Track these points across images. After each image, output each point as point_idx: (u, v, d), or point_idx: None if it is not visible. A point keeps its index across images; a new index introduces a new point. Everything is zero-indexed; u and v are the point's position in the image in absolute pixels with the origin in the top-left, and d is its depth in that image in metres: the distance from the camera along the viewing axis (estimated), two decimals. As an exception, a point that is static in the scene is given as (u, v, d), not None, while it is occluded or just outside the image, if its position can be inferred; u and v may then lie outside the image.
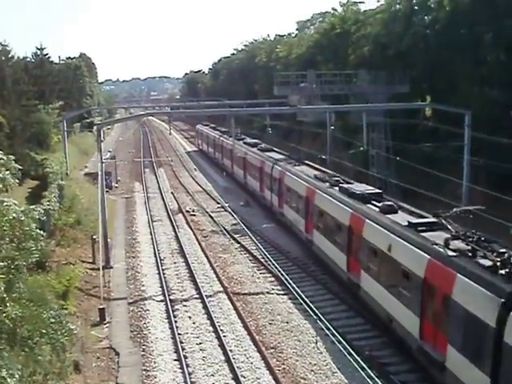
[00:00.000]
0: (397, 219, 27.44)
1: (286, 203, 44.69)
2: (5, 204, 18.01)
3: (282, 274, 32.19)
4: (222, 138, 78.42)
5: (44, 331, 17.42)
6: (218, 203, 56.64)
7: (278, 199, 47.08)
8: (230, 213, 49.41)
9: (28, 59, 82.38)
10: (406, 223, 26.13)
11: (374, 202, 30.84)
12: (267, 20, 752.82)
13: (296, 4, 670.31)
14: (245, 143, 64.34)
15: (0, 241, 17.72)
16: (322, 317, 26.22)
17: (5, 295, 16.69)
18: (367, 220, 28.92)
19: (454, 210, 25.87)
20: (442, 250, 22.24)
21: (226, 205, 52.34)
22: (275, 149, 58.12)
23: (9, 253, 17.94)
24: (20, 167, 21.19)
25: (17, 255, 18.20)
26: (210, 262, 38.56)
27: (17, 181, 19.54)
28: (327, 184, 37.31)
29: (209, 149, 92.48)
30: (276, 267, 32.65)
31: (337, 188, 35.53)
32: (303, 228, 39.99)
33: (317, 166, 46.52)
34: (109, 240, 38.84)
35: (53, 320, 17.93)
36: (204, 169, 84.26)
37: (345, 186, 34.92)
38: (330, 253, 34.41)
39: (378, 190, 33.63)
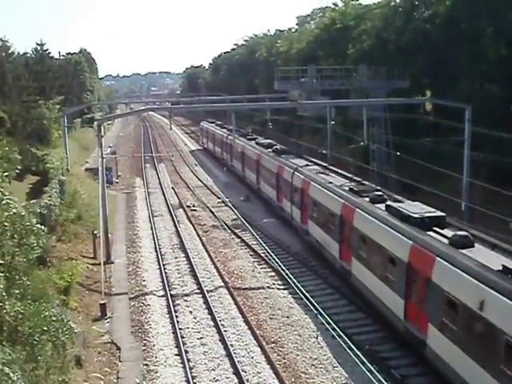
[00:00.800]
0: (480, 258, 20.68)
1: (312, 219, 38.27)
2: (5, 199, 18.09)
3: (282, 269, 32.24)
4: (230, 138, 67.16)
5: (45, 329, 17.50)
6: (219, 198, 56.71)
7: (301, 214, 40.93)
8: (230, 208, 49.48)
9: (28, 55, 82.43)
10: (500, 268, 19.40)
11: (438, 229, 24.43)
12: (267, 15, 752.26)
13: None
14: (257, 144, 58.81)
15: (0, 236, 17.77)
16: (322, 311, 26.28)
17: (4, 293, 16.75)
18: (438, 258, 21.81)
19: None
20: None
21: (227, 200, 52.39)
22: (293, 151, 51.93)
23: (9, 249, 18.01)
24: (19, 157, 21.30)
25: (17, 251, 18.28)
26: (210, 256, 38.67)
27: (16, 172, 19.61)
28: (367, 199, 30.71)
29: (215, 148, 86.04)
30: (276, 262, 32.70)
31: (382, 207, 28.75)
32: (337, 254, 33.38)
33: (346, 173, 39.66)
34: (110, 235, 38.93)
35: (54, 318, 18.01)
36: (209, 169, 80.00)
37: (393, 204, 27.97)
38: (380, 293, 27.12)
39: (439, 213, 25.93)
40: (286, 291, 32.24)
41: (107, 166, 50.14)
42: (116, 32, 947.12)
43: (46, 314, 17.87)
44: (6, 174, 19.35)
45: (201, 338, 26.79)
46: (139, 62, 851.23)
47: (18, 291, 17.73)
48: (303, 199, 40.13)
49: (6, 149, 20.41)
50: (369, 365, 21.24)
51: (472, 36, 45.43)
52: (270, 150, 53.46)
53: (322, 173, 40.21)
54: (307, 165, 43.88)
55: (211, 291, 32.35)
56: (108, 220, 39.03)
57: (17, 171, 20.64)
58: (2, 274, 16.81)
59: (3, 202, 17.93)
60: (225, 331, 27.05)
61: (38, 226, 19.25)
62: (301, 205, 40.85)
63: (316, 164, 44.36)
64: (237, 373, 23.34)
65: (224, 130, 79.61)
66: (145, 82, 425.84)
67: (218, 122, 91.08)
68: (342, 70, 54.72)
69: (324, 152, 52.05)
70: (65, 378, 18.90)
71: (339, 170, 41.10)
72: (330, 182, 36.57)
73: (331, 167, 42.47)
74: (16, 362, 15.58)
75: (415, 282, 23.54)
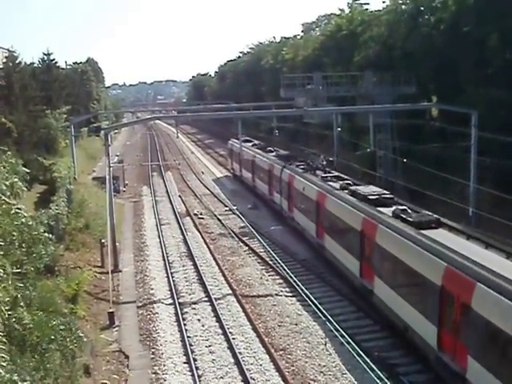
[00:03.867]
0: None
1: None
2: (14, 209, 18.16)
3: (290, 276, 32.21)
4: (290, 173, 46.83)
5: (53, 338, 17.53)
6: (226, 206, 56.72)
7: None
8: (238, 215, 49.49)
9: (35, 65, 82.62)
10: None
11: None
12: (273, 23, 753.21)
13: (301, 6, 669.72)
14: (324, 179, 40.73)
15: (9, 246, 17.83)
16: (330, 318, 26.23)
17: (13, 302, 16.79)
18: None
19: None
20: None
21: (234, 207, 52.39)
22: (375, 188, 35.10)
23: (18, 257, 18.07)
24: (27, 170, 21.38)
25: (26, 260, 18.34)
26: (218, 264, 38.66)
27: (25, 188, 19.68)
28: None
29: (255, 180, 61.57)
30: (284, 269, 32.69)
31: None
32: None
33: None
34: (117, 244, 38.99)
35: (62, 327, 18.04)
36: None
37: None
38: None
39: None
40: (294, 298, 32.19)
41: (114, 175, 50.20)
42: (122, 41, 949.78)
43: (55, 322, 17.90)
44: (15, 190, 19.50)
45: (209, 345, 26.75)
46: (145, 71, 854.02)
47: (26, 300, 17.76)
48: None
49: (12, 161, 20.44)
50: (378, 372, 21.16)
51: (477, 41, 45.38)
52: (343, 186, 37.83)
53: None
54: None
55: (219, 299, 32.33)
56: (115, 229, 39.11)
57: (25, 183, 20.82)
58: (11, 283, 16.85)
59: (12, 212, 18.01)
60: (233, 339, 27.02)
61: (46, 235, 19.31)
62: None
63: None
64: (245, 380, 23.29)
65: (269, 156, 57.08)
66: (151, 90, 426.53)
67: (254, 142, 69.87)
68: (347, 76, 54.80)
69: (330, 159, 52.03)
70: (73, 387, 18.92)
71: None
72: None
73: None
74: (25, 371, 15.60)
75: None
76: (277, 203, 51.32)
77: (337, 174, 42.03)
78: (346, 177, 40.50)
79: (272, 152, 58.68)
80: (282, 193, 48.67)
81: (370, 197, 32.09)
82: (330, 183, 38.96)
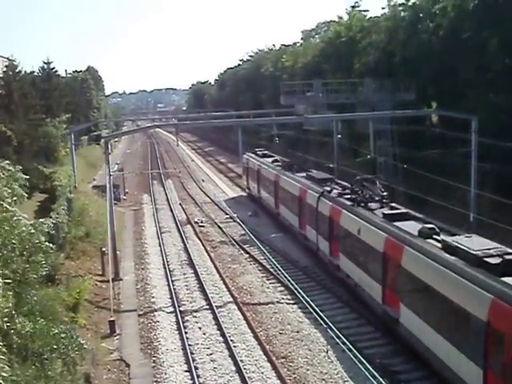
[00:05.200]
0: None
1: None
2: (15, 218, 18.13)
3: (291, 284, 32.12)
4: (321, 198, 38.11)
5: (55, 346, 17.47)
6: (227, 214, 56.65)
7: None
8: (238, 223, 49.43)
9: (35, 73, 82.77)
10: None
11: None
12: (272, 30, 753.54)
13: (300, 14, 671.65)
14: (389, 218, 29.28)
15: (11, 254, 17.81)
16: (332, 325, 26.16)
17: (13, 311, 16.74)
18: None
19: None
20: None
21: (235, 215, 52.32)
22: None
23: (19, 266, 18.05)
24: (27, 177, 21.31)
25: (27, 268, 18.31)
26: (219, 272, 38.59)
27: (25, 194, 19.63)
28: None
29: (279, 206, 50.28)
30: (285, 277, 32.60)
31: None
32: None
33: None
34: (118, 252, 38.94)
35: (63, 335, 17.99)
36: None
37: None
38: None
39: None
40: (295, 306, 32.09)
41: (114, 183, 50.18)
42: (122, 49, 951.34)
43: (56, 331, 17.85)
44: (16, 197, 19.44)
45: (210, 353, 26.68)
46: (145, 79, 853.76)
47: (26, 308, 17.73)
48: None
49: (11, 169, 20.42)
50: (380, 379, 21.07)
51: (476, 47, 45.44)
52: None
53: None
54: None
55: (220, 307, 32.25)
56: (116, 237, 39.05)
57: (25, 189, 20.85)
58: (12, 292, 16.81)
59: (14, 219, 17.99)
60: (234, 347, 26.93)
61: (47, 243, 19.27)
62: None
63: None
64: (247, 388, 23.20)
65: (304, 180, 44.27)
66: (151, 98, 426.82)
67: (279, 158, 58.35)
68: (347, 83, 54.88)
69: (331, 166, 52.05)
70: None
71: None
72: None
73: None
74: (26, 380, 15.55)
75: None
76: (311, 241, 40.40)
77: (405, 210, 30.43)
78: (422, 216, 29.42)
79: (301, 172, 47.42)
80: (320, 230, 37.96)
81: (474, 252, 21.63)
82: (403, 226, 27.35)
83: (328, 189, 38.30)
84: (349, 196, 34.87)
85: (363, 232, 29.96)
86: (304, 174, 45.87)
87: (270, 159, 58.22)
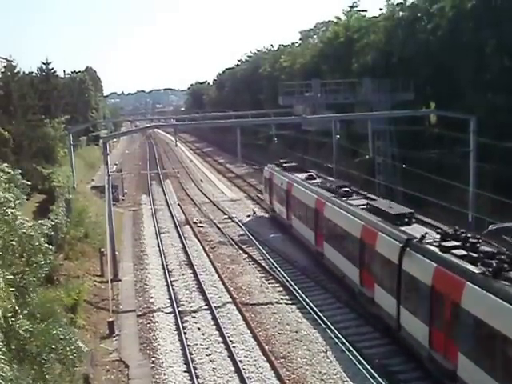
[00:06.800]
0: None
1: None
2: (17, 222, 18.12)
3: (290, 284, 32.15)
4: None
5: (54, 347, 17.48)
6: (225, 214, 56.64)
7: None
8: (237, 223, 49.41)
9: (34, 74, 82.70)
10: None
11: None
12: (271, 30, 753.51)
13: (299, 14, 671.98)
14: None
15: (11, 256, 17.82)
16: (331, 325, 26.18)
17: (13, 312, 16.74)
18: None
19: None
20: None
21: (233, 216, 52.30)
22: None
23: (18, 267, 18.05)
24: (28, 182, 21.33)
25: (27, 270, 18.31)
26: (218, 272, 38.60)
27: (25, 197, 19.62)
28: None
29: (324, 246, 36.63)
30: (284, 277, 32.64)
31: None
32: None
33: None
34: (117, 253, 38.95)
35: (62, 336, 17.99)
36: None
37: None
38: None
39: None
40: (294, 306, 32.09)
41: (113, 184, 50.19)
42: (120, 50, 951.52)
43: (54, 332, 17.84)
44: (18, 201, 19.44)
45: (209, 354, 26.71)
46: (144, 80, 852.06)
47: (26, 310, 17.72)
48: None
49: (11, 171, 20.42)
50: (379, 379, 21.10)
51: (475, 47, 45.49)
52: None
53: None
54: None
55: (219, 307, 32.27)
56: (115, 237, 39.07)
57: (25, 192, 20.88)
58: (11, 293, 16.81)
59: (16, 222, 17.99)
60: (233, 347, 26.97)
61: (46, 245, 19.27)
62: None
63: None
64: (246, 389, 23.22)
65: (367, 214, 30.79)
66: (149, 99, 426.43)
67: (314, 174, 46.25)
68: (346, 83, 54.84)
69: (330, 166, 52.04)
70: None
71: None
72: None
73: None
74: (24, 381, 15.54)
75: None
76: (386, 312, 27.02)
77: None
78: None
79: (357, 197, 35.67)
80: (408, 301, 24.85)
81: None
82: None
83: (416, 236, 24.99)
84: (463, 252, 22.21)
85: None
86: (366, 204, 32.52)
87: (302, 175, 46.11)
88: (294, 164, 52.42)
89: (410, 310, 24.41)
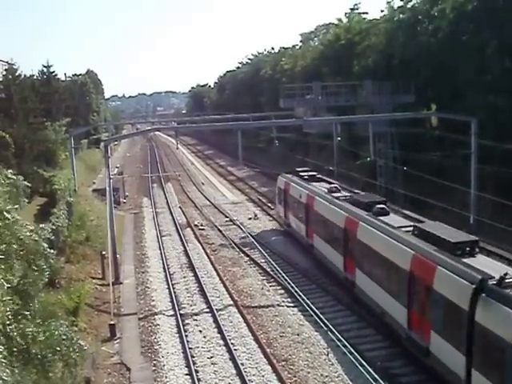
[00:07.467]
0: None
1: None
2: (19, 224, 18.16)
3: (291, 287, 32.11)
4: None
5: (57, 348, 17.50)
6: (227, 217, 56.64)
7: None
8: (238, 226, 49.36)
9: (35, 77, 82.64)
10: None
11: None
12: (271, 33, 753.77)
13: (299, 16, 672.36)
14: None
15: (13, 260, 17.85)
16: (332, 328, 26.14)
17: (14, 315, 16.76)
18: None
19: None
20: None
21: (235, 218, 52.25)
22: None
23: (20, 272, 18.08)
24: (29, 185, 21.33)
25: (28, 274, 18.33)
26: (219, 275, 38.56)
27: (26, 200, 19.62)
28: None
29: (358, 277, 31.22)
30: (286, 279, 32.62)
31: None
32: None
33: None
34: (118, 256, 38.94)
35: (64, 337, 18.00)
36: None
37: None
38: None
39: None
40: (295, 309, 32.08)
41: (114, 187, 50.14)
42: (121, 53, 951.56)
43: (56, 333, 17.86)
44: (16, 206, 19.46)
45: (211, 357, 26.68)
46: (145, 82, 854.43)
47: (28, 313, 17.73)
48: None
49: (13, 177, 20.44)
50: (381, 381, 21.04)
51: (476, 49, 45.45)
52: None
53: None
54: None
55: (220, 310, 32.25)
56: (116, 240, 39.05)
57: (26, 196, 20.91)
58: (11, 297, 16.83)
59: (17, 227, 18.02)
60: (235, 350, 26.93)
61: (48, 249, 19.30)
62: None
63: None
64: (248, 392, 23.19)
65: (416, 242, 25.53)
66: (150, 101, 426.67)
67: (338, 185, 40.92)
68: (346, 86, 54.85)
69: (331, 168, 52.03)
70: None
71: None
72: None
73: None
74: (27, 383, 15.56)
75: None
76: (448, 369, 21.52)
77: None
78: None
79: (397, 217, 31.24)
80: (483, 363, 19.16)
81: None
82: None
83: (491, 274, 20.19)
84: None
85: None
86: (407, 224, 28.86)
87: (323, 186, 41.97)
88: (313, 173, 47.00)
89: (486, 375, 18.47)
